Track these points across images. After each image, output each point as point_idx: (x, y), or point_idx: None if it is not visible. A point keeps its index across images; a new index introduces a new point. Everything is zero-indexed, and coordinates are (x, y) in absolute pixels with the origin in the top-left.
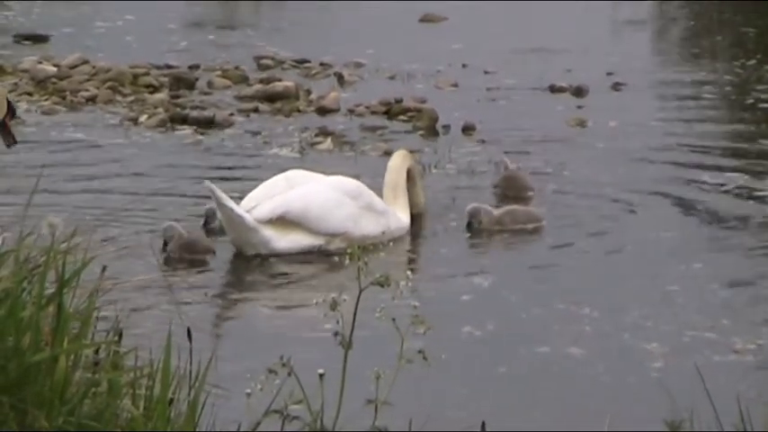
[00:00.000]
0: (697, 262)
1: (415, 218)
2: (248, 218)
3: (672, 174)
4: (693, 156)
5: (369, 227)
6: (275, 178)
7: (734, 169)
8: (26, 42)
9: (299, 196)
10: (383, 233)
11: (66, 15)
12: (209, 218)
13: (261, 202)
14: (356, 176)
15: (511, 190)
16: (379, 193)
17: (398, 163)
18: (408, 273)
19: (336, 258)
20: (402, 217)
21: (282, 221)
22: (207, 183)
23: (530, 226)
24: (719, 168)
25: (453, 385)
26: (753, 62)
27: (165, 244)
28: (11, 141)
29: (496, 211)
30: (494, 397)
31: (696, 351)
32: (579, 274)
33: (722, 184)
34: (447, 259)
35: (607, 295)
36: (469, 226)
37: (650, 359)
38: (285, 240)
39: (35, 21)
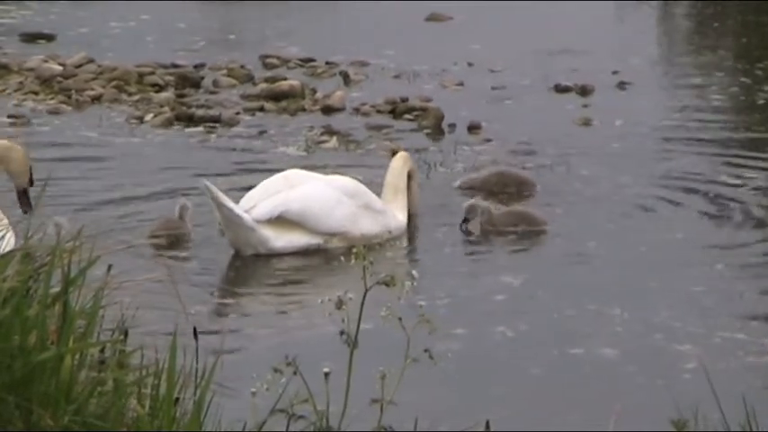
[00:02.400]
0: (718, 263)
1: (412, 218)
2: (247, 217)
3: (681, 173)
4: (703, 155)
5: (367, 226)
6: (273, 178)
7: (749, 169)
8: (40, 41)
9: (298, 196)
10: (389, 232)
11: (82, 15)
12: (182, 213)
13: (259, 201)
14: (361, 175)
15: (506, 187)
16: (378, 192)
17: (400, 164)
18: (414, 272)
19: (342, 258)
20: (400, 216)
21: (281, 221)
22: (204, 182)
23: (532, 229)
24: (733, 168)
25: (489, 386)
26: None
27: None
28: (28, 208)
29: (495, 212)
30: (529, 398)
31: (729, 353)
32: (603, 275)
33: (738, 185)
34: (472, 258)
35: (635, 296)
36: (464, 222)
37: (683, 361)
38: (283, 240)
39: (53, 21)
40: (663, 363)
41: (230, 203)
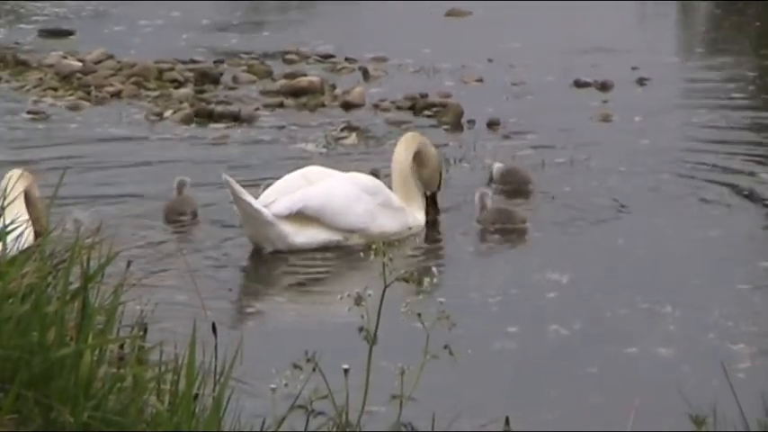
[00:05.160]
0: (761, 260)
1: (435, 203)
2: (266, 212)
3: (705, 169)
4: (725, 151)
5: (386, 223)
6: (291, 175)
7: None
8: (67, 37)
9: (318, 192)
10: (409, 229)
11: (114, 12)
12: (180, 189)
13: (278, 197)
14: (381, 171)
15: (510, 185)
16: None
17: (402, 154)
18: (434, 269)
19: (361, 254)
20: (418, 215)
21: (300, 217)
22: (224, 175)
23: (512, 227)
24: (757, 166)
25: (541, 386)
26: None
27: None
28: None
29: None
30: (586, 396)
31: None
32: (647, 273)
33: (763, 182)
34: (507, 255)
35: (684, 294)
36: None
37: (737, 360)
38: (303, 236)
39: (85, 18)
40: (717, 363)
41: (249, 198)
